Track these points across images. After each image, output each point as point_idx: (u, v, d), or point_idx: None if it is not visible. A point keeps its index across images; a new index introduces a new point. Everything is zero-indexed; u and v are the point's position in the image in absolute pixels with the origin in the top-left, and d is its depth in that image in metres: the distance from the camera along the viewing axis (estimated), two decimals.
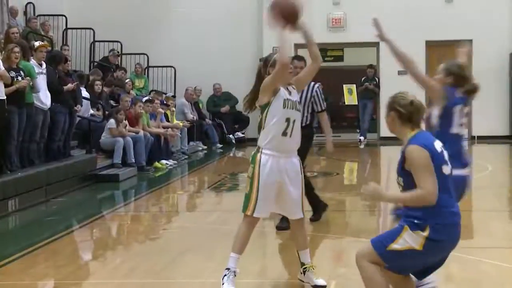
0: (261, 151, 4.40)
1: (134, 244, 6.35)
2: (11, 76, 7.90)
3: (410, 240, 3.30)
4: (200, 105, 15.18)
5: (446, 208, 3.35)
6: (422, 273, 3.55)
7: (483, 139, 14.75)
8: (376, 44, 14.45)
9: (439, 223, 3.29)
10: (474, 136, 14.51)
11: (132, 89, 13.03)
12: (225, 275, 4.34)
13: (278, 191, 4.41)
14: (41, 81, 8.64)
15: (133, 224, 7.46)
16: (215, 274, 4.59)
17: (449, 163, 3.42)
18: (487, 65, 14.44)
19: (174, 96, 14.21)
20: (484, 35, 14.82)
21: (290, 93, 4.46)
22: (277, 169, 4.37)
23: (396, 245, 3.32)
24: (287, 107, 4.37)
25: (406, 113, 3.40)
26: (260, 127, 4.51)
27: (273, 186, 4.38)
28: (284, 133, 4.36)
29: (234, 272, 4.34)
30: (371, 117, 15.86)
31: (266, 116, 4.39)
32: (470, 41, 13.49)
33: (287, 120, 4.37)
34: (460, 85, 4.21)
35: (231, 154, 14.11)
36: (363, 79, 15.67)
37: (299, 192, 4.48)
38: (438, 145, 3.45)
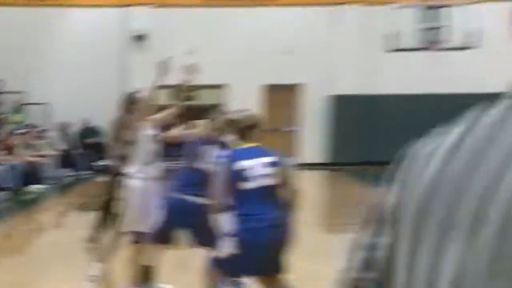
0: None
1: (2, 259, 6.84)
2: None
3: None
4: (71, 136, 16.56)
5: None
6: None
7: (308, 166, 16.11)
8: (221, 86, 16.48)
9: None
10: (302, 163, 15.51)
11: (9, 123, 14.23)
12: None
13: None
14: None
15: (3, 241, 8.01)
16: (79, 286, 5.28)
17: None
18: (316, 104, 17.16)
19: (46, 130, 15.50)
20: (313, 80, 17.17)
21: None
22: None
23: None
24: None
25: None
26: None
27: None
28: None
29: None
30: None
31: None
32: (304, 84, 16.62)
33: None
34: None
35: (96, 180, 14.50)
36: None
37: None
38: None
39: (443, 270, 0.77)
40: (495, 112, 0.80)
